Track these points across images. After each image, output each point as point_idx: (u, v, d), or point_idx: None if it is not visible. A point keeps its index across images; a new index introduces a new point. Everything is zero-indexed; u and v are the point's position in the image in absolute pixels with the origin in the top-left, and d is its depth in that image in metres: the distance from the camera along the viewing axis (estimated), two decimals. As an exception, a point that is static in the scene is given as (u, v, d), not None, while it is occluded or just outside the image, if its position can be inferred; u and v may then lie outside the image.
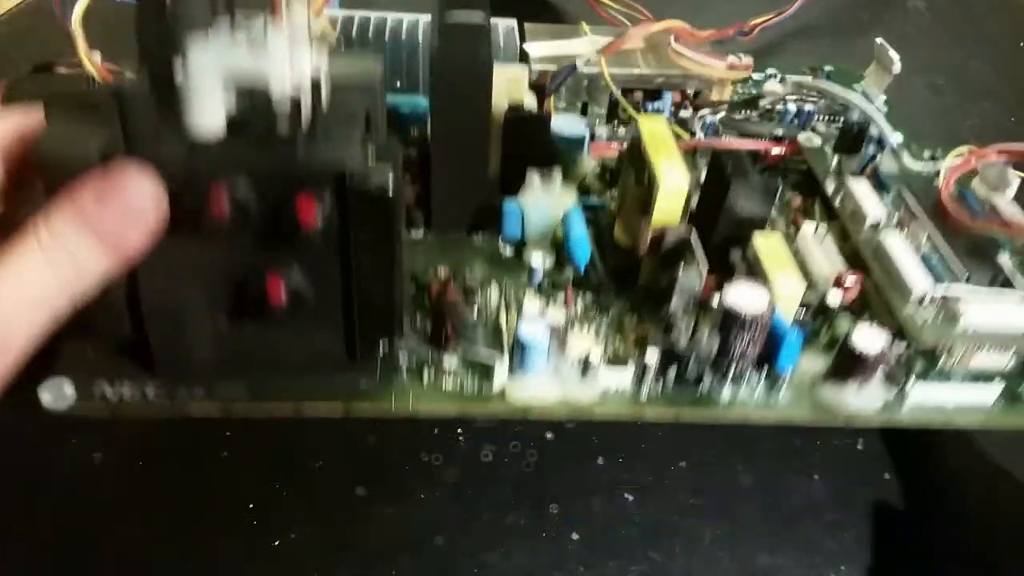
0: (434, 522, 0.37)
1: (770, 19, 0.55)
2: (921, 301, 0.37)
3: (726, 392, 0.34)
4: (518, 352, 0.32)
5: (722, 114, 0.50)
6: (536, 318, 0.32)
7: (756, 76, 0.54)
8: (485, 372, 0.33)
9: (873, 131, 0.47)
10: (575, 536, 0.36)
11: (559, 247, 0.39)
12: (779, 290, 0.35)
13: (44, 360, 0.26)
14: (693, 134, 0.49)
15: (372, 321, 0.31)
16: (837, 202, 0.43)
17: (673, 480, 0.36)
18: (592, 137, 0.47)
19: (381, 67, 0.31)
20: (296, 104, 0.26)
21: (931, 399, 0.36)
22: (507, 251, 0.40)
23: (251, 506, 0.35)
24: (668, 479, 0.35)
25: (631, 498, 0.35)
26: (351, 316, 0.30)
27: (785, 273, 0.35)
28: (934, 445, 0.39)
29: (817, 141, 0.48)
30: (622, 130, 0.50)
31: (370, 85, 0.30)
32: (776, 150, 0.48)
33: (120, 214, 0.25)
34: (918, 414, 0.36)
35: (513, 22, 0.48)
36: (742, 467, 0.36)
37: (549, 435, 0.35)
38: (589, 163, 0.45)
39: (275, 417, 0.31)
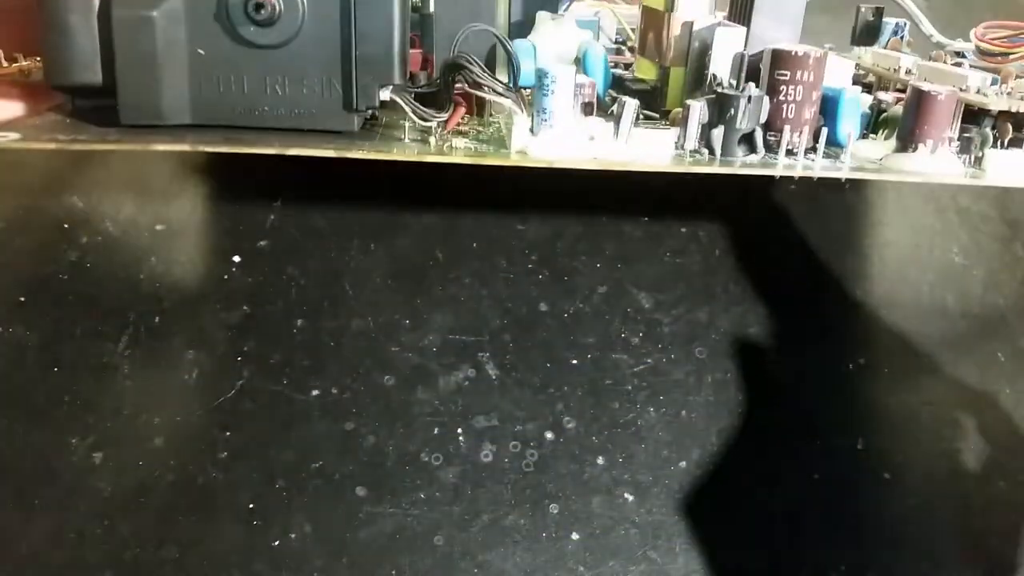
0: (434, 522, 0.37)
1: None
2: (979, 90, 0.34)
3: (782, 161, 0.30)
4: (539, 94, 0.27)
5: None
6: (560, 66, 0.27)
7: None
8: (501, 142, 0.29)
9: (889, 20, 0.44)
10: (575, 536, 0.36)
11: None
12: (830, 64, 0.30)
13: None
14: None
15: (371, 54, 0.27)
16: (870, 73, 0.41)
17: (673, 480, 0.36)
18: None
19: None
20: None
21: (1011, 166, 0.32)
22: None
23: (251, 506, 0.35)
24: (668, 479, 0.35)
25: (631, 498, 0.35)
26: (348, 44, 0.27)
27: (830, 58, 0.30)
28: (934, 444, 0.39)
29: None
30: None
31: None
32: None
33: None
34: (1002, 175, 0.32)
35: None
36: (742, 466, 0.36)
37: (549, 435, 0.35)
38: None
39: (255, 154, 0.27)
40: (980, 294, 0.39)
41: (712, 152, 0.30)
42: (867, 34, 0.44)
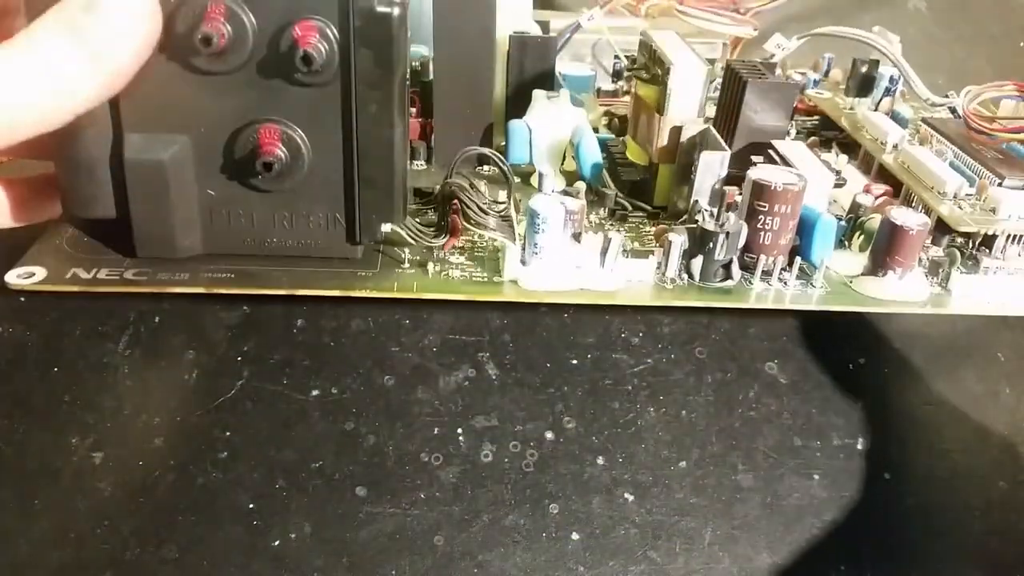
0: (434, 522, 0.37)
1: (765, 4, 0.54)
2: (956, 196, 0.36)
3: (757, 286, 0.32)
4: (531, 231, 0.29)
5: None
6: (550, 196, 0.29)
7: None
8: (495, 263, 0.31)
9: (884, 71, 0.46)
10: (575, 536, 0.36)
11: (569, 176, 0.37)
12: (809, 179, 0.32)
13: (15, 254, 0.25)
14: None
15: (373, 193, 0.29)
16: (853, 128, 0.44)
17: (673, 480, 0.36)
18: (598, 93, 0.46)
19: None
20: None
21: (975, 290, 0.34)
22: (515, 180, 0.38)
23: (251, 506, 0.35)
24: (668, 479, 0.35)
25: (631, 498, 0.35)
26: (351, 185, 0.28)
27: (811, 167, 0.33)
28: (934, 446, 0.39)
29: (827, 93, 0.48)
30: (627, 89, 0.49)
31: None
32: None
33: (109, 26, 0.23)
34: (965, 304, 0.34)
35: None
36: (742, 467, 0.36)
37: (549, 435, 0.35)
38: (596, 107, 0.43)
39: (265, 295, 0.28)
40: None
41: (692, 278, 0.31)
42: (862, 87, 0.47)
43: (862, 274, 0.33)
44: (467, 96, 0.38)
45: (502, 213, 0.31)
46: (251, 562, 0.34)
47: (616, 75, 0.50)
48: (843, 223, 0.35)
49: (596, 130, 0.43)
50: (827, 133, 0.47)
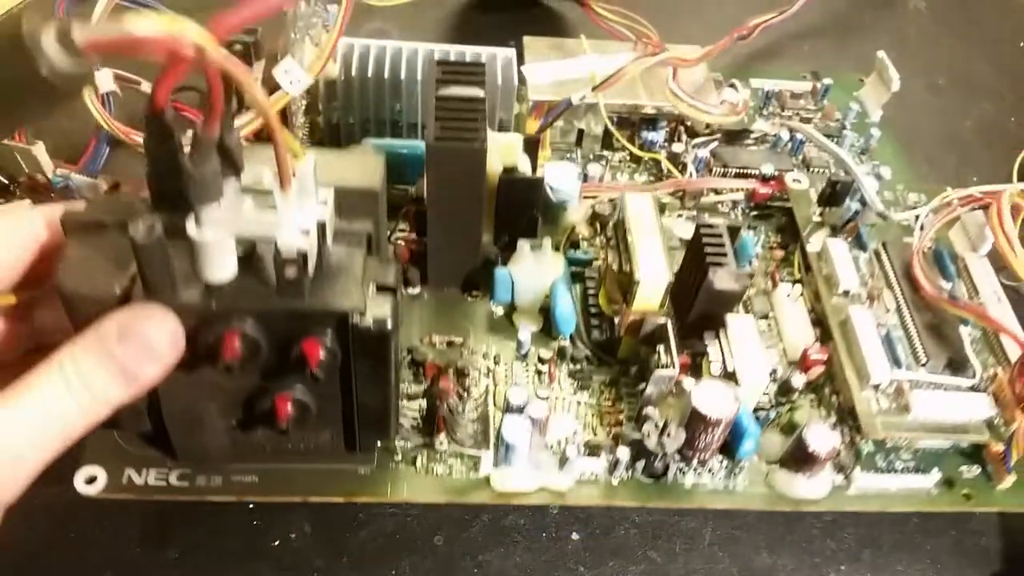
0: (434, 522, 0.37)
1: (771, 19, 0.54)
2: (877, 387, 0.40)
3: (689, 478, 0.38)
4: (502, 448, 0.35)
5: (714, 144, 0.52)
6: (518, 421, 0.35)
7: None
8: (473, 461, 0.36)
9: (857, 184, 0.47)
10: (575, 536, 0.36)
11: (547, 311, 0.42)
12: (745, 380, 0.37)
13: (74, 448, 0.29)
14: (685, 166, 0.50)
15: (369, 428, 0.34)
16: (814, 259, 0.46)
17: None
18: (585, 178, 0.48)
19: (382, 166, 0.33)
20: (303, 256, 0.28)
21: (875, 485, 0.38)
22: (499, 311, 0.43)
23: (251, 506, 0.35)
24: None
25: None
26: (351, 424, 0.34)
27: (751, 364, 0.38)
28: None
29: (804, 183, 0.49)
30: (616, 168, 0.51)
31: (371, 189, 0.32)
32: (764, 190, 0.49)
33: (141, 352, 0.27)
34: (863, 501, 0.38)
35: (512, 53, 0.49)
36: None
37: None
38: (580, 211, 0.46)
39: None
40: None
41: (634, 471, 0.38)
42: (831, 199, 0.49)
43: (780, 462, 0.38)
44: (459, 227, 0.41)
45: (478, 412, 0.37)
46: (251, 562, 0.34)
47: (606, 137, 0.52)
48: (771, 414, 0.41)
49: (578, 244, 0.47)
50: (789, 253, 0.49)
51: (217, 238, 0.26)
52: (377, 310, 0.29)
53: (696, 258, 0.40)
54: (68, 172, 0.46)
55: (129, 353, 0.27)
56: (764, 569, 0.37)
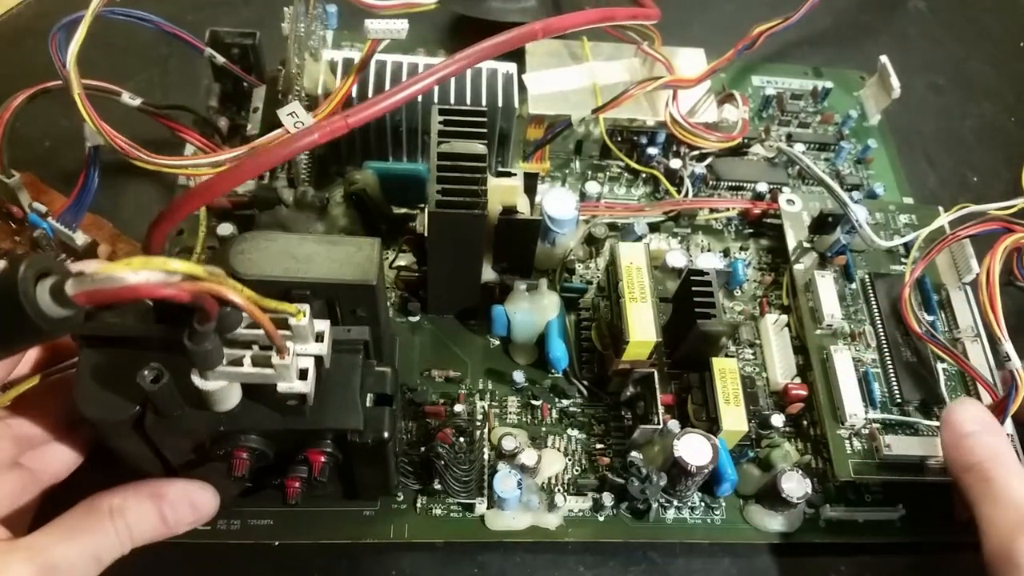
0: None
1: (776, 26, 0.56)
2: (851, 428, 0.43)
3: (670, 514, 0.41)
4: (495, 497, 0.39)
5: (709, 160, 0.52)
6: (508, 474, 0.38)
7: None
8: (468, 505, 0.40)
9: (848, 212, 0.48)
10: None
11: (543, 344, 0.44)
12: (726, 423, 0.40)
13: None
14: (681, 183, 0.50)
15: (371, 492, 0.39)
16: (801, 290, 0.48)
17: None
18: (582, 195, 0.49)
19: (378, 254, 0.34)
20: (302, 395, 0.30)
21: (843, 519, 0.42)
22: (495, 342, 0.46)
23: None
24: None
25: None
26: (354, 488, 0.37)
27: (733, 410, 0.41)
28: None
29: (797, 205, 0.50)
30: (614, 179, 0.51)
31: (368, 283, 0.33)
32: (757, 209, 0.50)
33: (186, 513, 0.34)
34: (832, 535, 0.41)
35: (513, 68, 0.50)
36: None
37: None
38: (577, 234, 0.47)
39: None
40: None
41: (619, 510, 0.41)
42: (822, 227, 0.50)
43: (756, 497, 0.42)
44: (458, 273, 0.44)
45: (472, 460, 0.40)
46: (252, 562, 0.38)
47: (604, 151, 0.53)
48: (751, 453, 0.44)
49: (573, 270, 0.49)
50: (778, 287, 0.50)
51: (220, 386, 0.29)
52: (375, 425, 0.32)
53: (685, 305, 0.43)
54: (45, 210, 0.43)
55: (178, 517, 0.33)
56: (764, 569, 0.39)
